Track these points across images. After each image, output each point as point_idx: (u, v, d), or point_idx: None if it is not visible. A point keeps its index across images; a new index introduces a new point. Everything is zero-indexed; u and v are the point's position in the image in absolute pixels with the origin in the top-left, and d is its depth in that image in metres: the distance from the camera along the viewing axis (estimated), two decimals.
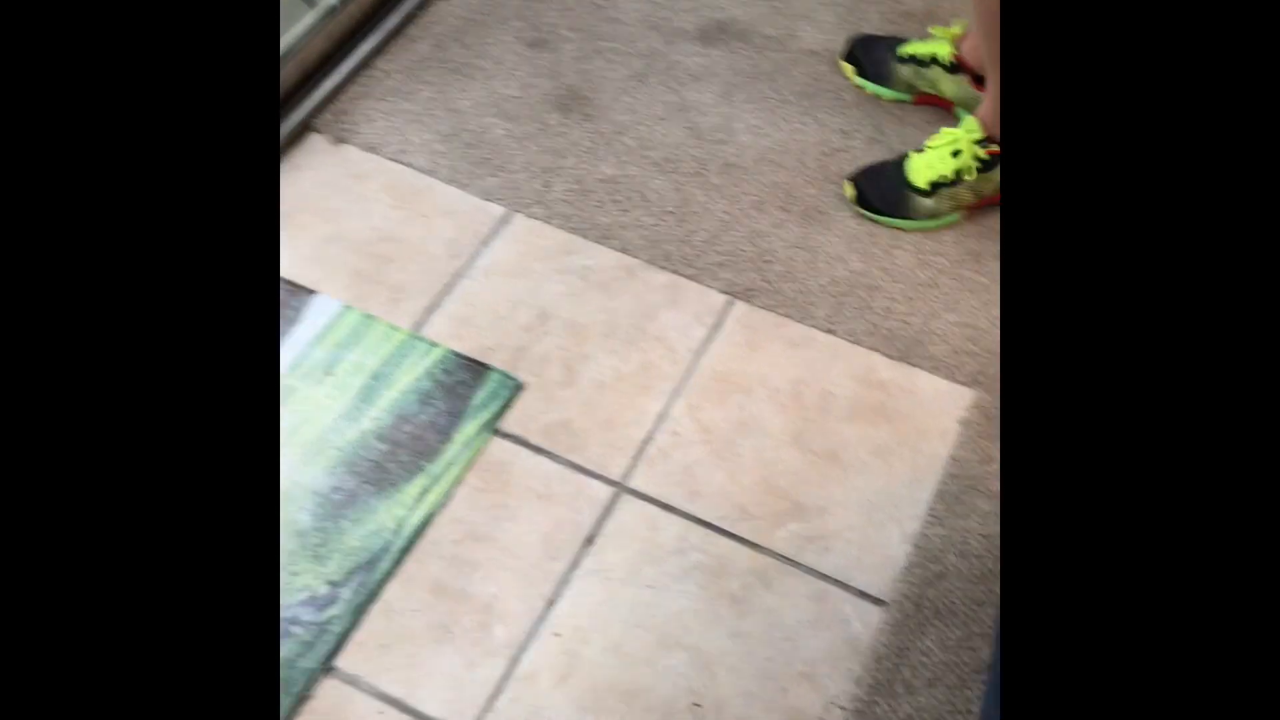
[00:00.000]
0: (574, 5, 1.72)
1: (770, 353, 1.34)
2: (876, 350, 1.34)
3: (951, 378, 1.32)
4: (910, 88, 1.57)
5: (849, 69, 1.61)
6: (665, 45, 1.66)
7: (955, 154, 1.40)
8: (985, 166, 1.40)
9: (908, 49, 1.55)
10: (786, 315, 1.37)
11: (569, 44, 1.66)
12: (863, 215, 1.46)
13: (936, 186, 1.41)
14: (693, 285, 1.40)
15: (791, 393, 1.31)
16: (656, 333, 1.36)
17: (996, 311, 1.37)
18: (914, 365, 1.33)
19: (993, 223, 1.45)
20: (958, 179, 1.40)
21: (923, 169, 1.42)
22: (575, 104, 1.59)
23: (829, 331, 1.35)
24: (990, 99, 1.39)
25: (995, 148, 1.39)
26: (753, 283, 1.40)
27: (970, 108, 1.52)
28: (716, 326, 1.37)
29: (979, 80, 1.51)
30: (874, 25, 1.67)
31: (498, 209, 1.48)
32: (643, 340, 1.35)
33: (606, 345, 1.35)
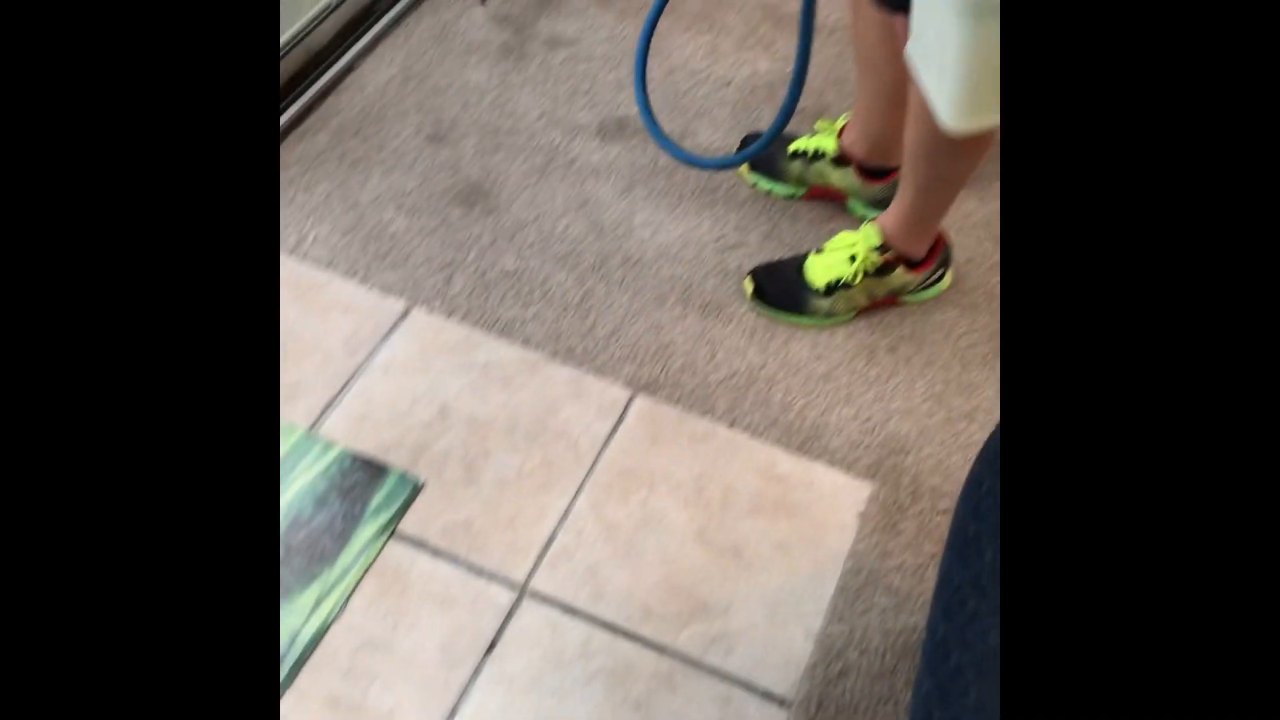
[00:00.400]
0: (474, 100, 1.73)
1: (673, 447, 1.35)
2: (777, 444, 1.36)
3: (849, 470, 1.34)
4: (801, 181, 1.62)
5: (743, 166, 1.65)
6: (566, 140, 1.69)
7: (852, 259, 1.44)
8: (880, 272, 1.44)
9: (796, 145, 1.61)
10: (688, 409, 1.38)
11: (469, 139, 1.68)
12: (760, 311, 1.49)
13: (832, 288, 1.45)
14: (595, 380, 1.40)
15: (694, 488, 1.31)
16: (559, 428, 1.36)
17: (891, 404, 1.40)
18: (813, 458, 1.35)
19: (886, 319, 1.50)
20: (853, 282, 1.44)
21: (820, 271, 1.45)
22: (477, 198, 1.60)
23: (730, 425, 1.37)
24: (895, 208, 1.42)
25: (891, 254, 1.44)
26: (654, 376, 1.41)
27: (859, 196, 1.59)
28: (619, 421, 1.37)
29: (865, 171, 1.57)
30: (767, 123, 1.72)
31: (398, 304, 1.46)
32: (545, 436, 1.35)
33: (508, 442, 1.34)
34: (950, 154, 1.27)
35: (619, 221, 1.58)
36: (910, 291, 1.49)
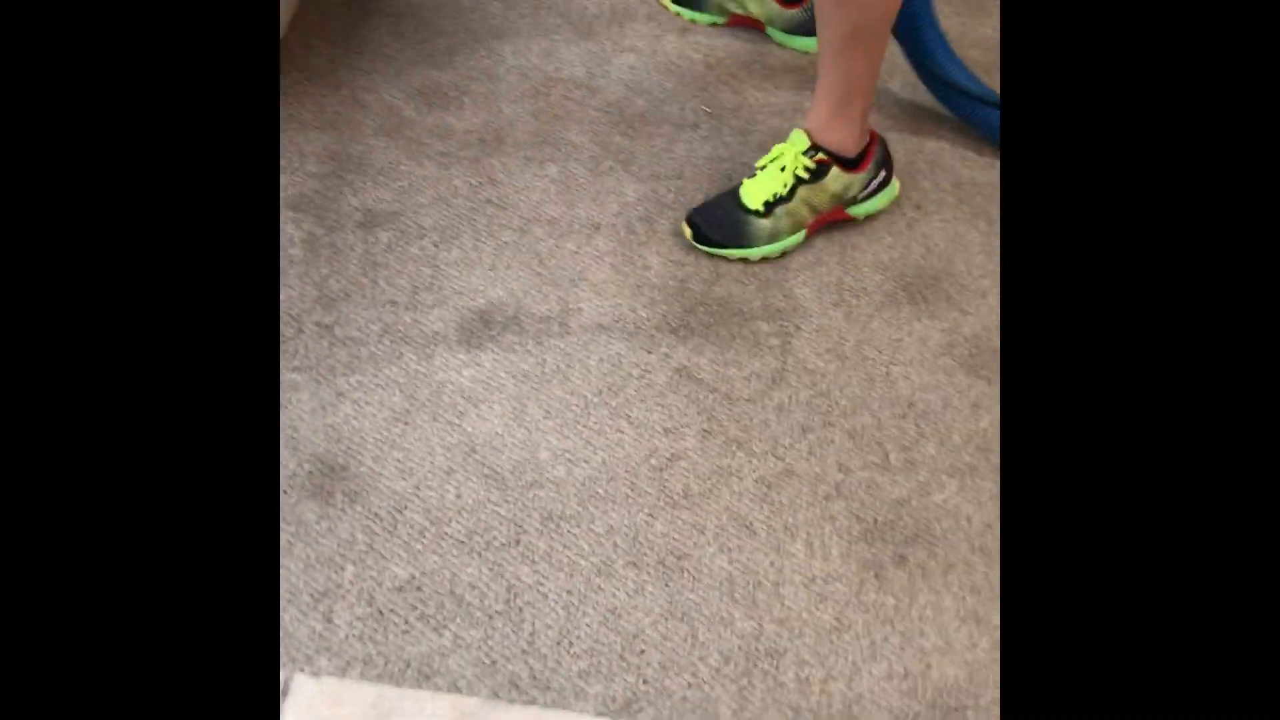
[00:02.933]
0: (289, 334, 1.34)
1: None
2: None
3: None
4: (721, 10, 1.73)
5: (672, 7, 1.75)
6: (422, 361, 1.32)
7: (783, 169, 1.43)
8: (815, 176, 1.42)
9: None
10: None
11: (299, 393, 1.29)
12: (703, 251, 1.45)
13: (771, 205, 1.43)
14: (560, 715, 1.07)
15: None
16: None
17: (924, 642, 1.12)
18: None
19: (880, 514, 1.21)
20: (790, 194, 1.42)
21: (755, 192, 1.44)
22: (330, 481, 1.22)
23: None
24: (816, 99, 1.42)
25: (822, 155, 1.42)
26: (631, 689, 1.09)
27: (775, 24, 1.71)
28: None
29: None
30: (661, 286, 1.40)
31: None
32: None
33: None
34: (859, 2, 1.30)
35: (521, 464, 1.24)
36: (856, 201, 1.47)
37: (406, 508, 1.20)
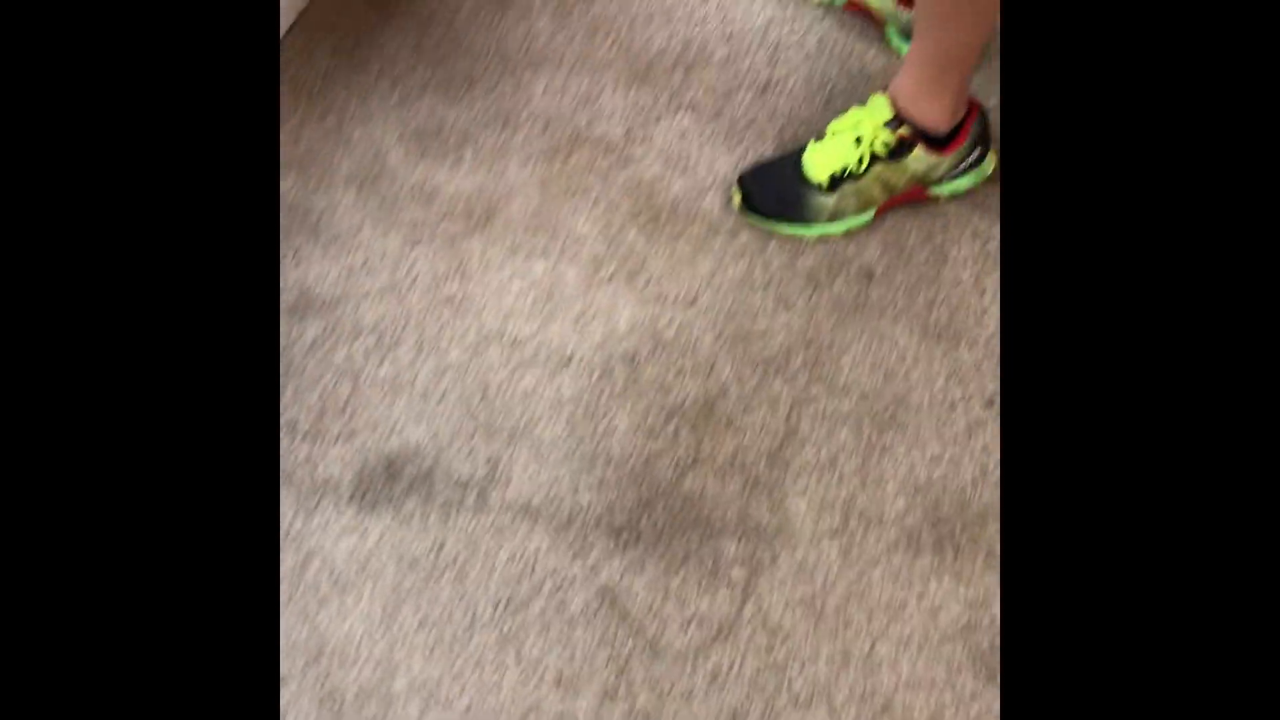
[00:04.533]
0: None
1: None
2: None
3: None
4: None
5: None
6: (301, 514, 1.08)
7: (858, 141, 1.19)
8: (895, 154, 1.19)
9: None
10: None
11: None
12: (753, 222, 1.24)
13: (838, 180, 1.21)
14: None
15: None
16: None
17: None
18: None
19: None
20: (863, 170, 1.20)
21: (821, 162, 1.21)
22: None
23: None
24: (907, 66, 1.17)
25: (906, 131, 1.18)
26: None
27: (895, 24, 1.35)
28: None
29: None
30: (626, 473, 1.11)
31: None
32: None
33: None
34: None
35: (369, 691, 1.00)
36: (940, 180, 1.23)
37: None
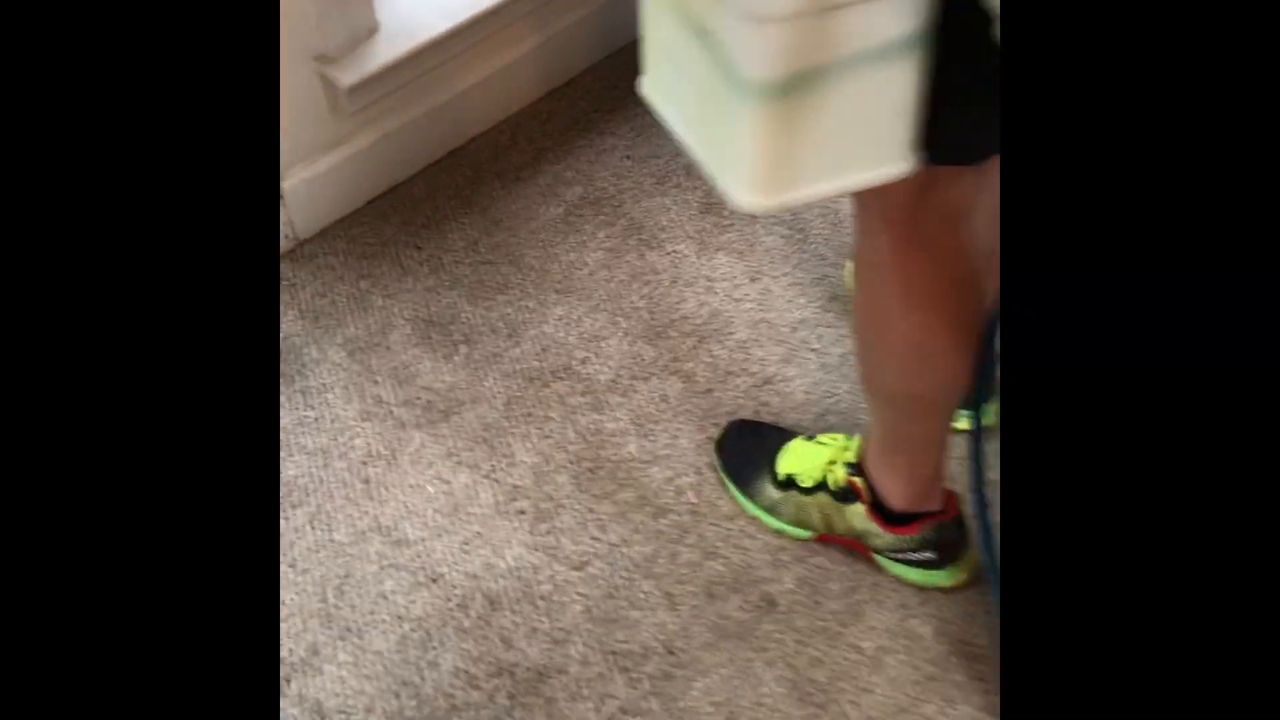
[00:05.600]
0: None
1: None
2: None
3: None
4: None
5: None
6: None
7: (829, 461, 1.13)
8: (840, 496, 1.12)
9: None
10: None
11: None
12: (716, 468, 1.24)
13: (789, 483, 1.16)
14: None
15: None
16: None
17: None
18: None
19: None
20: (808, 487, 1.14)
21: (793, 458, 1.18)
22: None
23: None
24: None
25: (859, 482, 1.10)
26: None
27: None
28: None
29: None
30: None
31: None
32: None
33: None
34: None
35: None
36: (886, 554, 1.14)
37: None
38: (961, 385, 0.96)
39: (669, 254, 1.46)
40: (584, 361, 1.35)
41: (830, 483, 1.13)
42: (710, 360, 1.35)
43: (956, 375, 0.94)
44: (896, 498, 1.09)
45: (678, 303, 1.41)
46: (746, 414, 1.29)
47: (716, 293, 1.42)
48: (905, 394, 1.00)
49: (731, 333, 1.38)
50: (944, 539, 1.10)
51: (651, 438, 1.28)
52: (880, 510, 1.10)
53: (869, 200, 0.86)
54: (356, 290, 1.43)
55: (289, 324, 1.39)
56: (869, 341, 0.98)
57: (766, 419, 1.28)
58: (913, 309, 0.90)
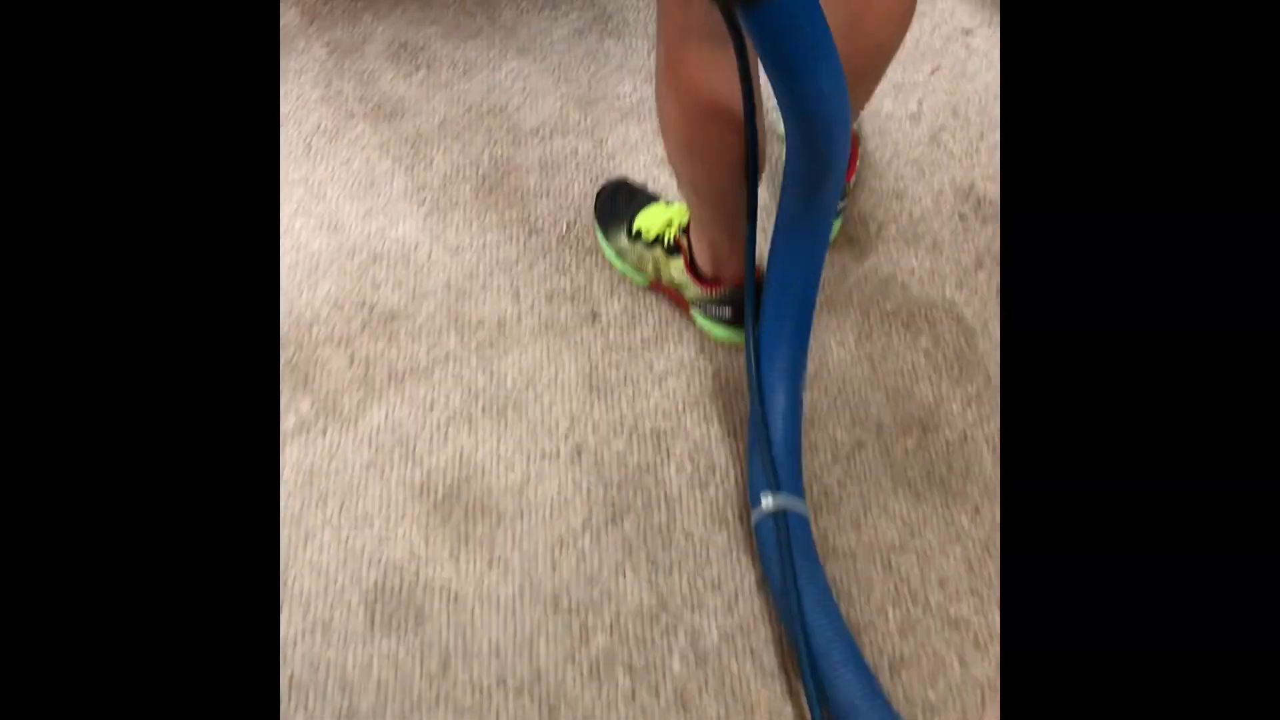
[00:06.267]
0: None
1: None
2: None
3: None
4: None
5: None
6: None
7: (668, 221, 1.34)
8: (670, 250, 1.32)
9: None
10: None
11: None
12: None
13: (638, 235, 1.36)
14: None
15: None
16: None
17: None
18: None
19: None
20: (648, 239, 1.35)
21: (648, 215, 1.37)
22: None
23: None
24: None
25: (684, 240, 1.30)
26: None
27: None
28: None
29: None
30: None
31: None
32: None
33: None
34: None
35: None
36: (695, 305, 1.35)
37: None
38: (733, 181, 1.12)
39: (624, 44, 1.66)
40: (518, 109, 1.57)
41: (665, 239, 1.34)
42: (624, 134, 1.56)
43: (728, 168, 1.10)
44: (703, 261, 1.30)
45: (616, 85, 1.62)
46: (635, 178, 1.50)
47: (651, 83, 1.62)
48: (689, 181, 1.18)
49: (652, 119, 1.58)
50: (732, 297, 1.32)
51: (551, 178, 1.50)
52: (694, 268, 1.32)
53: (660, 19, 1.01)
54: (352, 7, 1.66)
55: (289, 17, 1.63)
56: (664, 133, 1.14)
57: (650, 184, 1.50)
58: (686, 112, 1.06)
